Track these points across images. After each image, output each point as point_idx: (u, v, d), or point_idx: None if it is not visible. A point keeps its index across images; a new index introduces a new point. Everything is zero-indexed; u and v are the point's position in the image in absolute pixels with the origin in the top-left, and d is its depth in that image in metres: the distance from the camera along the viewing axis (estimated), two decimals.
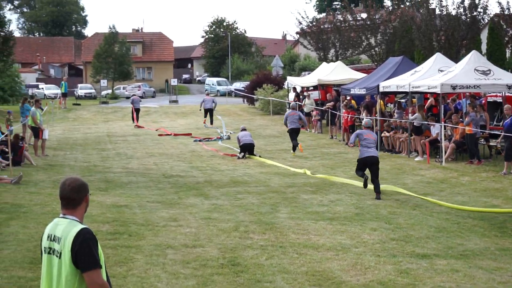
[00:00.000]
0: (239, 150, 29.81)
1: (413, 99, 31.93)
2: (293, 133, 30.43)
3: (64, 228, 5.94)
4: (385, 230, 14.88)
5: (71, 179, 6.18)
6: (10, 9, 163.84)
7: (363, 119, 23.63)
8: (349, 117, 33.64)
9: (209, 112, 45.97)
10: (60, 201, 6.13)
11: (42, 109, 36.34)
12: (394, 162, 27.11)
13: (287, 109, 26.60)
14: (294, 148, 30.11)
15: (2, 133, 28.70)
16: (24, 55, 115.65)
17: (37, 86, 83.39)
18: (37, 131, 29.56)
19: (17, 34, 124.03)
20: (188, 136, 38.70)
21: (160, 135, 38.94)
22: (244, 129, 30.76)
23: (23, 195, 19.38)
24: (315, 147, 33.45)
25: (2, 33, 54.03)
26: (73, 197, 6.09)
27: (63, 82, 66.18)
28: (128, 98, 76.34)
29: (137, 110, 48.49)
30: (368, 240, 14.02)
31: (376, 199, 18.90)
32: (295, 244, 13.69)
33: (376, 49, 52.35)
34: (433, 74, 28.39)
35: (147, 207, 17.68)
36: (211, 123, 45.17)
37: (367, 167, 19.89)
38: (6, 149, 25.84)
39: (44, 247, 6.10)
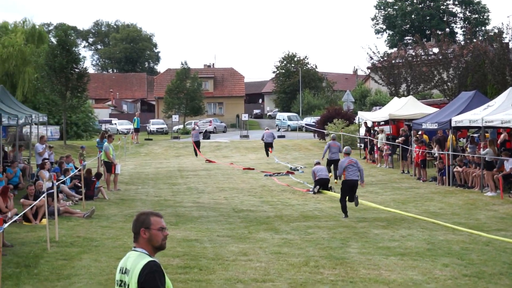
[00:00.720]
0: (312, 185, 29.77)
1: (486, 134, 31.50)
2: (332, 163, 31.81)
3: (133, 261, 6.05)
4: (457, 266, 14.65)
5: (137, 213, 6.39)
6: (84, 47, 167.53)
7: (435, 154, 23.63)
8: (420, 152, 33.33)
9: (269, 146, 48.11)
10: None
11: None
12: (466, 197, 26.74)
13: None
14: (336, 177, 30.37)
15: (76, 168, 29.22)
16: (98, 91, 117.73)
17: (110, 122, 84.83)
18: (109, 166, 29.98)
19: (91, 70, 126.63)
20: (251, 170, 39.20)
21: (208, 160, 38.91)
22: (318, 163, 30.64)
23: (95, 229, 19.63)
24: (386, 181, 33.22)
25: (77, 70, 55.08)
26: (133, 231, 6.26)
27: (136, 117, 67.00)
28: (200, 133, 77.06)
29: (196, 143, 51.16)
30: (440, 276, 13.82)
31: (354, 204, 22.74)
32: (365, 279, 13.57)
33: (448, 83, 51.81)
34: (507, 108, 27.95)
35: (217, 241, 17.72)
36: (267, 155, 47.38)
37: (350, 189, 22.52)
38: (79, 184, 26.28)
39: (116, 280, 6.22)
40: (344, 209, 22.40)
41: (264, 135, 48.33)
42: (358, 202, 23.09)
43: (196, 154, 50.21)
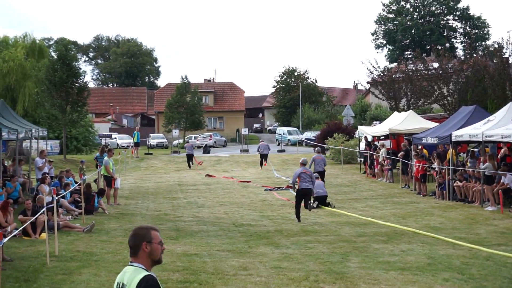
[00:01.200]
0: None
1: (486, 149, 31.50)
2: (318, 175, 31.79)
3: (130, 275, 6.04)
4: (458, 281, 14.62)
5: (135, 228, 6.35)
6: (85, 61, 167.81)
7: (435, 169, 23.69)
8: (420, 166, 33.33)
9: (264, 157, 50.74)
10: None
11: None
12: (467, 211, 26.72)
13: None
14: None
15: (76, 182, 29.21)
16: (98, 105, 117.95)
17: (110, 136, 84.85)
18: (109, 180, 29.98)
19: (91, 85, 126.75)
20: (248, 182, 39.42)
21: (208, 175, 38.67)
22: (317, 178, 30.56)
23: (95, 243, 19.60)
24: (387, 196, 33.21)
25: (77, 84, 55.18)
26: (132, 245, 6.22)
27: (135, 132, 67.11)
28: (199, 147, 77.18)
29: (188, 156, 54.35)
30: None
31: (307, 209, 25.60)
32: None
33: (449, 98, 51.86)
34: (507, 123, 27.96)
35: (217, 255, 17.69)
36: (261, 166, 49.45)
37: (303, 197, 25.18)
38: (79, 198, 26.27)
39: None
40: (297, 214, 25.04)
41: (260, 146, 49.85)
42: (311, 208, 26.18)
43: (189, 166, 52.85)
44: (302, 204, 25.47)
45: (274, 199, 32.32)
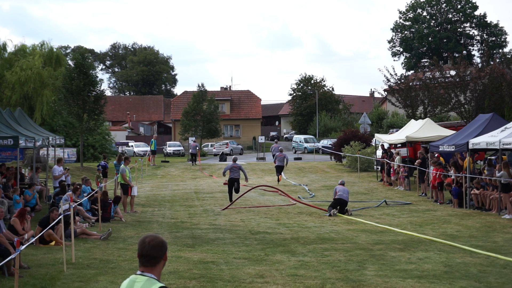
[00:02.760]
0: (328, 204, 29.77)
1: (503, 156, 31.36)
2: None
3: (142, 286, 6.00)
4: None
5: (151, 237, 6.21)
6: (102, 69, 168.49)
7: (451, 176, 23.62)
8: (437, 174, 33.21)
9: (280, 170, 46.48)
10: (139, 258, 6.20)
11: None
12: (484, 219, 26.59)
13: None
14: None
15: (93, 190, 29.27)
16: (115, 113, 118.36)
17: (126, 144, 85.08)
18: (126, 188, 30.03)
19: (108, 93, 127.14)
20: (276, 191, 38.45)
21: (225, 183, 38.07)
22: (342, 184, 30.54)
23: (111, 251, 19.63)
24: (403, 204, 33.07)
25: (94, 93, 55.35)
26: (154, 255, 6.13)
27: (152, 139, 67.24)
28: (216, 155, 77.40)
29: (192, 155, 64.69)
30: None
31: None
32: None
33: (466, 106, 51.70)
34: None
35: (233, 263, 17.67)
36: (278, 180, 46.08)
37: (233, 184, 34.28)
38: (96, 206, 26.33)
39: None
40: (230, 196, 34.17)
41: (273, 149, 49.62)
42: (239, 190, 34.61)
43: (192, 163, 61.40)
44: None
45: (291, 207, 32.25)
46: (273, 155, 52.10)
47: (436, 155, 35.83)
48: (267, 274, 16.11)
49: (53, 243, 20.45)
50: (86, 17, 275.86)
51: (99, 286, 14.91)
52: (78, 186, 28.26)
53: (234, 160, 35.57)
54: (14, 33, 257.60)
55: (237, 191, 34.56)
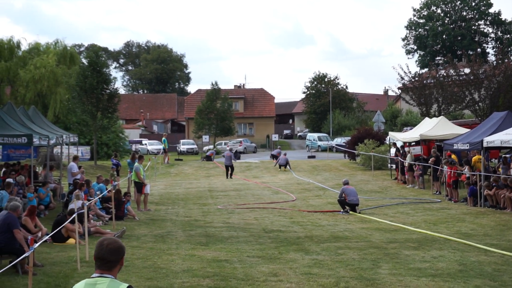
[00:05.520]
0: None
1: None
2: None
3: (108, 286, 5.90)
4: None
5: (109, 240, 6.17)
6: (115, 68, 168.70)
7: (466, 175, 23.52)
8: (452, 172, 33.07)
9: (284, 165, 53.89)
10: (95, 261, 6.13)
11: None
12: (498, 218, 26.47)
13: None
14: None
15: (106, 188, 29.29)
16: (129, 111, 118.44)
17: (140, 142, 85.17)
18: (140, 186, 30.04)
19: (122, 91, 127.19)
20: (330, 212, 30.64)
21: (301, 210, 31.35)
22: (347, 183, 30.46)
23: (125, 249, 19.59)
24: (418, 202, 32.97)
25: (107, 91, 55.50)
26: (110, 259, 6.07)
27: (164, 138, 67.30)
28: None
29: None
30: None
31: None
32: None
33: (480, 104, 51.47)
34: None
35: (247, 261, 17.63)
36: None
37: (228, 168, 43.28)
38: (110, 204, 26.34)
39: None
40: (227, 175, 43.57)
41: (280, 159, 53.63)
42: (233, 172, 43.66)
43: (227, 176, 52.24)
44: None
45: (305, 206, 32.21)
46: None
47: (447, 153, 35.76)
48: (280, 273, 16.06)
49: (69, 240, 20.47)
50: (98, 15, 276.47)
51: None
52: (83, 183, 28.14)
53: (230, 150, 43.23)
54: (27, 31, 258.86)
55: (231, 175, 48.88)
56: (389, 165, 49.12)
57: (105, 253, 6.03)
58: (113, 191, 25.92)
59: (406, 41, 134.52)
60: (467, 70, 54.32)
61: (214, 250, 19.58)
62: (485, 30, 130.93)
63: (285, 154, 57.78)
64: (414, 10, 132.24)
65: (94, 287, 5.92)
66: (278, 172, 53.16)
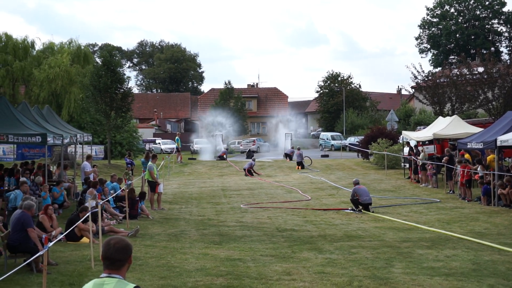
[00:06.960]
0: (351, 205, 29.73)
1: None
2: None
3: (115, 286, 5.86)
4: (503, 287, 14.44)
5: (116, 239, 6.13)
6: (129, 67, 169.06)
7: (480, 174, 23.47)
8: (465, 172, 32.98)
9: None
10: (103, 261, 6.06)
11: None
12: None
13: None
14: None
15: (120, 187, 29.38)
16: (142, 111, 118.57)
17: (154, 141, 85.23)
18: (153, 185, 30.11)
19: (135, 90, 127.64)
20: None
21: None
22: (357, 183, 30.43)
23: (139, 247, 19.66)
24: (431, 201, 32.91)
25: (121, 90, 55.64)
26: (118, 258, 6.02)
27: (177, 137, 67.35)
28: (243, 152, 77.43)
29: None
30: None
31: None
32: None
33: (494, 103, 51.33)
34: None
35: (260, 260, 17.65)
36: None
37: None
38: (123, 204, 26.42)
39: None
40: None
41: (295, 155, 54.98)
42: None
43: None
44: None
45: (318, 205, 32.21)
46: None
47: (460, 153, 35.70)
48: (294, 272, 16.07)
49: (83, 239, 20.55)
50: (111, 15, 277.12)
51: None
52: (97, 181, 28.19)
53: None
54: (41, 31, 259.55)
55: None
56: (402, 164, 49.03)
57: (113, 252, 5.99)
58: (127, 190, 26.01)
59: (419, 40, 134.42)
60: (480, 69, 54.18)
61: (228, 249, 19.61)
62: (499, 29, 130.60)
63: (298, 149, 58.93)
64: (428, 9, 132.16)
65: (101, 287, 5.87)
66: (291, 171, 53.13)
